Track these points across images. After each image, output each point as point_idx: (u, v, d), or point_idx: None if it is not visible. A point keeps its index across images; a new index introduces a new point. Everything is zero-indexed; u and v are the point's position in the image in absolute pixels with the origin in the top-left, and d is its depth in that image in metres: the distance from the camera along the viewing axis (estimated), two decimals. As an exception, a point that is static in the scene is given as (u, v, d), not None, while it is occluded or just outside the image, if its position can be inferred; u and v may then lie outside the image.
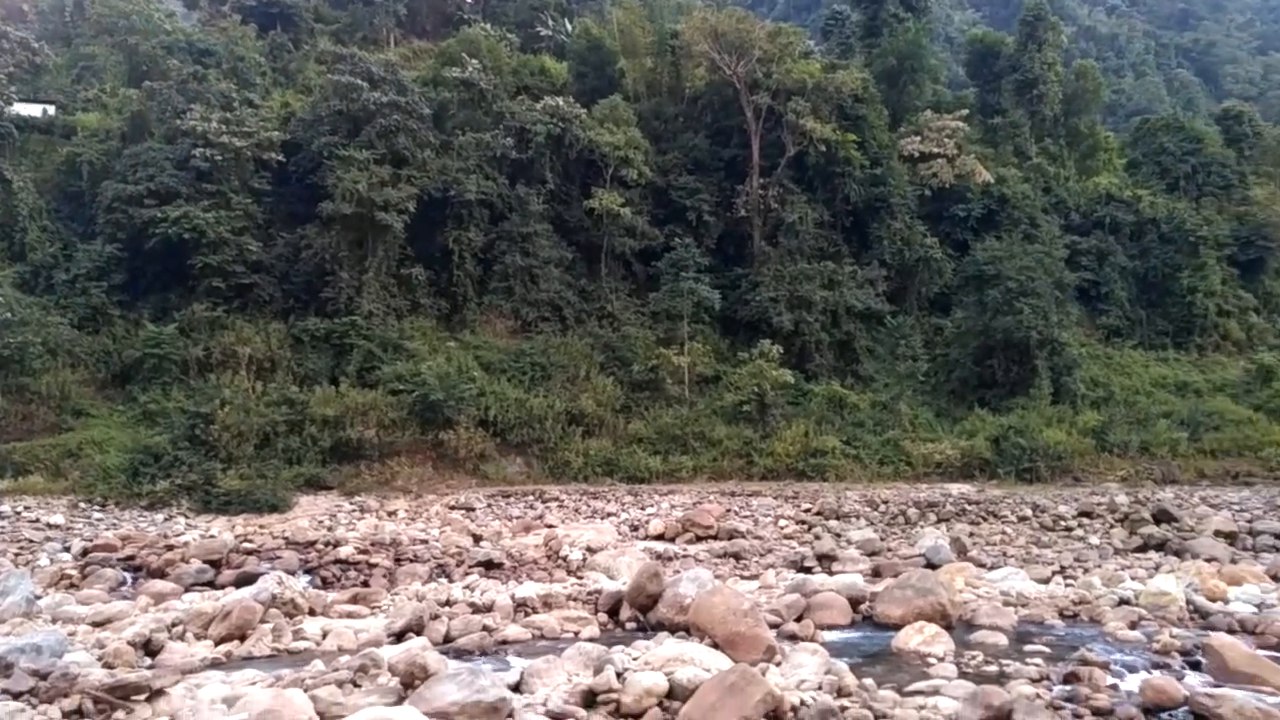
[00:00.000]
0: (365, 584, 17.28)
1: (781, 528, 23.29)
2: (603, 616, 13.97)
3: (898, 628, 12.96)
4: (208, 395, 28.13)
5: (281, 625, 13.09)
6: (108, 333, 31.53)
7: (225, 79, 37.54)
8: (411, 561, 18.51)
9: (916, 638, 12.33)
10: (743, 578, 17.62)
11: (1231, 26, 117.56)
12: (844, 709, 8.88)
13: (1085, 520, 23.32)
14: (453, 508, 25.71)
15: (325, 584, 17.56)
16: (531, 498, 27.32)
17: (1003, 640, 12.68)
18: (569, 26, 51.50)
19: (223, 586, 16.80)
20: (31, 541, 20.43)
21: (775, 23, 47.53)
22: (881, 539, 21.42)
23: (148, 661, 11.40)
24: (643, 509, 25.43)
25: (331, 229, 33.27)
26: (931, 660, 11.52)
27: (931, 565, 17.82)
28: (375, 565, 18.24)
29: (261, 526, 22.55)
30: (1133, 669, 11.10)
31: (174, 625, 13.01)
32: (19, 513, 22.84)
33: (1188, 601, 14.24)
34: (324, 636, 12.90)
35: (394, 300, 34.31)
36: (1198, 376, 41.38)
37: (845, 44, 52.16)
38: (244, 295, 32.97)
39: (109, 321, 31.84)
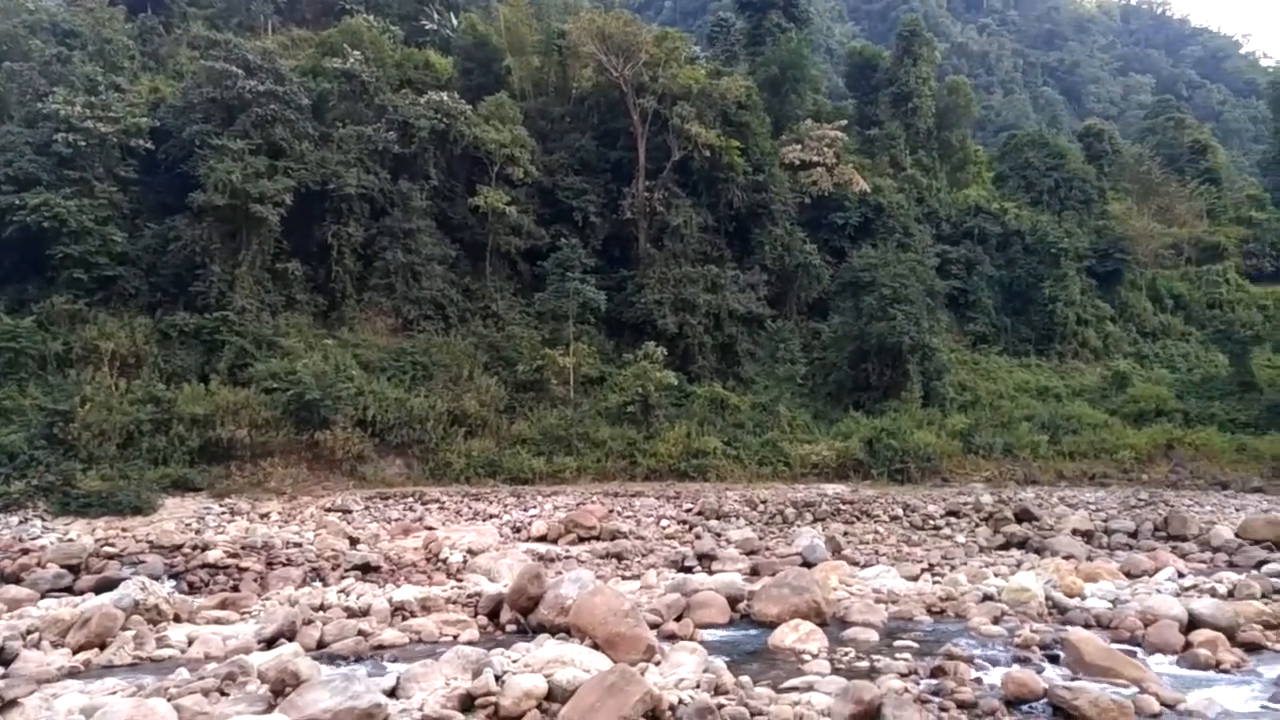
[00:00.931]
0: (235, 589, 16.71)
1: (663, 528, 23.50)
2: (483, 619, 13.85)
3: (774, 625, 13.22)
4: (67, 392, 26.65)
5: (144, 632, 12.56)
6: (-42, 325, 29.64)
7: (91, 62, 35.61)
8: (284, 565, 17.99)
9: (792, 635, 12.60)
10: (624, 578, 17.71)
11: (1094, 48, 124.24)
12: (721, 706, 9.01)
13: (952, 519, 24.22)
14: (329, 510, 25.06)
15: (192, 589, 16.93)
16: (411, 500, 26.83)
17: (874, 636, 13.07)
18: (454, 21, 50.74)
19: (82, 592, 15.99)
20: None
21: (662, 27, 47.93)
22: (760, 538, 21.83)
23: (0, 671, 10.78)
24: (525, 510, 25.29)
25: (203, 221, 31.97)
26: (806, 657, 11.79)
27: (807, 564, 18.24)
28: (246, 569, 17.67)
29: (124, 529, 21.53)
30: (995, 663, 11.56)
31: (29, 633, 12.38)
32: None
33: (1047, 597, 14.89)
34: (190, 644, 12.42)
35: (268, 296, 33.17)
36: (1058, 382, 43.40)
37: (730, 51, 52.95)
38: (108, 288, 31.33)
39: (-40, 313, 29.93)
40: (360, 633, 12.80)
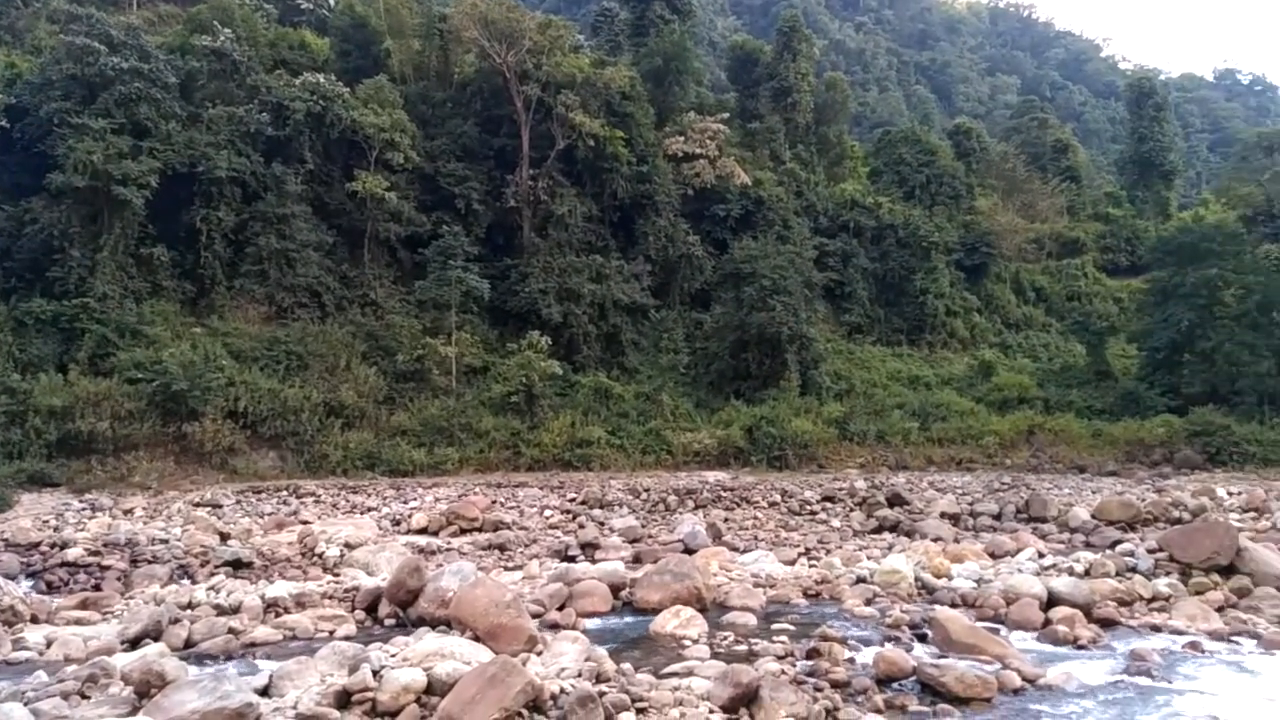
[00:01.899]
0: (97, 588, 15.91)
1: (547, 518, 23.42)
2: (360, 614, 13.55)
3: (656, 612, 13.33)
4: (-89, 383, 25.11)
5: (-1, 635, 11.90)
6: None
7: (-63, 34, 33.52)
8: (150, 563, 17.22)
9: (673, 621, 12.74)
10: (507, 569, 17.58)
11: (964, 48, 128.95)
12: (602, 694, 9.04)
13: (828, 505, 24.80)
14: (197, 505, 24.12)
15: (51, 589, 16.05)
16: (285, 493, 26.09)
17: (752, 620, 13.31)
18: (331, 1, 49.42)
19: (-74, 596, 15.00)
20: None
21: (546, 15, 47.61)
22: (643, 526, 21.96)
23: None
24: (405, 503, 24.86)
25: (61, 203, 30.38)
26: (687, 642, 11.93)
27: (689, 550, 18.43)
28: (108, 568, 16.84)
29: (-27, 528, 20.30)
30: (868, 643, 11.88)
31: None
32: None
33: (916, 579, 15.35)
34: (49, 645, 11.79)
35: (132, 282, 31.76)
36: (928, 371, 45.00)
37: (614, 41, 53.06)
38: (-43, 273, 29.59)
39: None
40: (231, 631, 12.37)
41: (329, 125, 36.63)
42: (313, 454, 29.88)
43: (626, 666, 10.19)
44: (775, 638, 12.07)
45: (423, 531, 21.64)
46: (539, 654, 10.63)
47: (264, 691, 9.15)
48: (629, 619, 13.81)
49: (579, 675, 9.69)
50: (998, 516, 23.07)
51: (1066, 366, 45.94)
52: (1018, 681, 10.25)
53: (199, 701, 8.11)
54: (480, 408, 33.40)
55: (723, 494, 25.95)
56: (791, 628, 12.74)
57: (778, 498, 25.56)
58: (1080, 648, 12.12)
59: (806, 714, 8.82)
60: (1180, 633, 12.74)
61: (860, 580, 15.58)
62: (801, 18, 61.58)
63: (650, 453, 32.99)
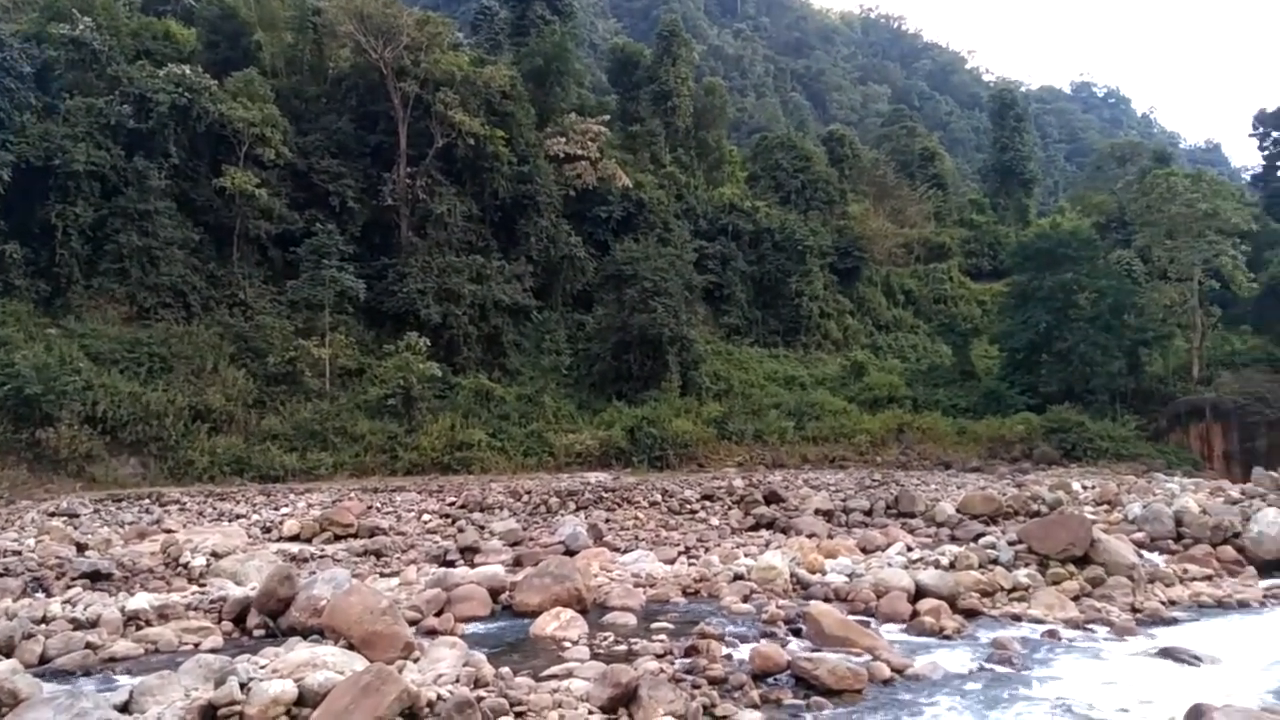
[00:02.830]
0: (-62, 606, 14.96)
1: (425, 522, 23.05)
2: (228, 625, 13.10)
3: (537, 615, 13.31)
4: None
5: None
6: None
7: None
8: (1, 576, 16.28)
9: (553, 623, 12.74)
10: (383, 575, 17.25)
11: (838, 57, 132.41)
12: (481, 699, 8.98)
13: (708, 503, 25.13)
14: (52, 514, 22.87)
15: (-114, 609, 14.99)
16: (148, 501, 24.95)
17: (632, 620, 13.42)
18: (199, -10, 47.49)
19: None
20: None
21: (424, 11, 46.86)
22: (524, 529, 21.83)
23: None
24: (277, 509, 24.10)
25: (-98, 196, 28.50)
26: (567, 644, 11.95)
27: (570, 552, 18.44)
28: (-48, 584, 15.84)
29: None
30: (745, 639, 12.13)
31: None
32: None
33: (792, 575, 15.70)
34: (-118, 670, 11.02)
35: (-19, 280, 30.01)
36: (803, 371, 46.10)
37: (494, 40, 52.65)
38: None
39: None
40: (89, 645, 11.81)
41: (195, 119, 35.19)
42: (177, 460, 28.70)
43: (505, 670, 10.15)
44: (654, 637, 12.19)
45: (295, 539, 21.02)
46: (416, 661, 10.49)
47: (124, 708, 8.79)
48: (509, 622, 13.75)
49: (457, 681, 9.60)
50: (869, 512, 23.82)
51: (933, 367, 47.81)
52: (887, 672, 10.64)
53: (53, 721, 7.75)
54: (355, 411, 32.66)
55: (604, 495, 26.00)
56: (671, 626, 12.90)
57: (658, 497, 25.74)
58: (946, 638, 12.65)
59: (684, 711, 8.94)
60: (1039, 621, 13.42)
61: (738, 577, 15.84)
62: (681, 22, 62.36)
63: (532, 455, 32.84)
